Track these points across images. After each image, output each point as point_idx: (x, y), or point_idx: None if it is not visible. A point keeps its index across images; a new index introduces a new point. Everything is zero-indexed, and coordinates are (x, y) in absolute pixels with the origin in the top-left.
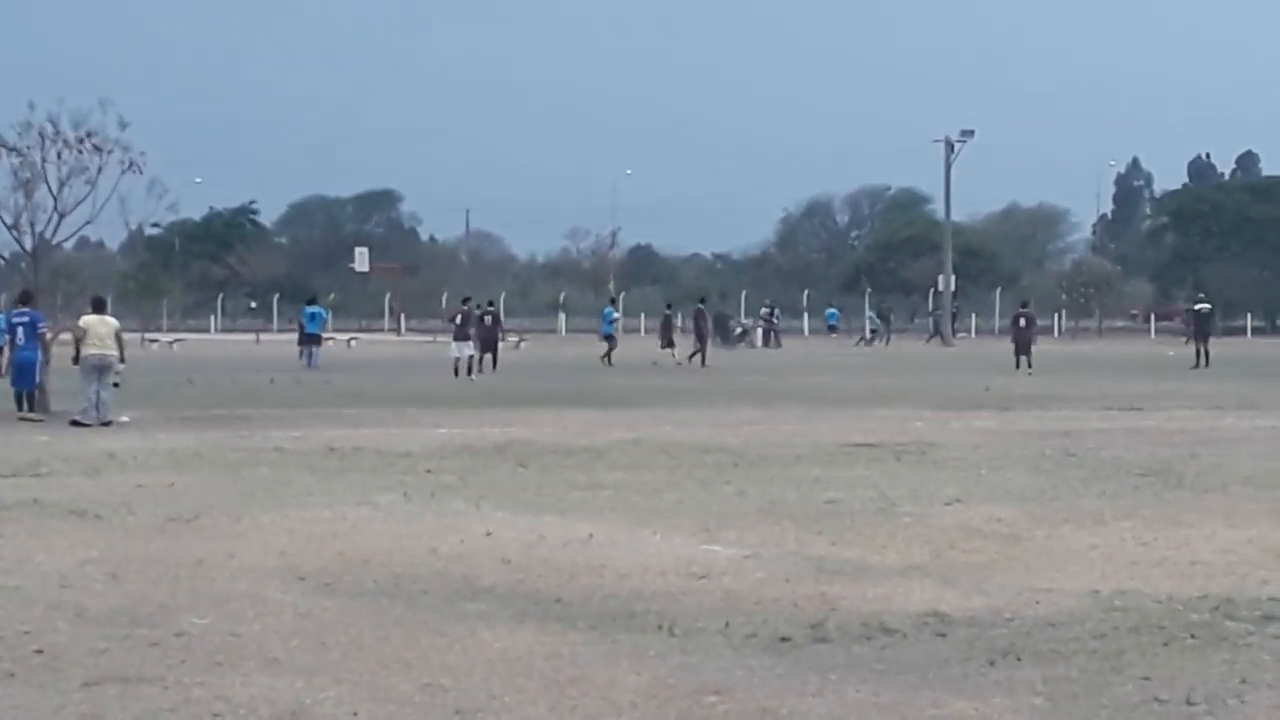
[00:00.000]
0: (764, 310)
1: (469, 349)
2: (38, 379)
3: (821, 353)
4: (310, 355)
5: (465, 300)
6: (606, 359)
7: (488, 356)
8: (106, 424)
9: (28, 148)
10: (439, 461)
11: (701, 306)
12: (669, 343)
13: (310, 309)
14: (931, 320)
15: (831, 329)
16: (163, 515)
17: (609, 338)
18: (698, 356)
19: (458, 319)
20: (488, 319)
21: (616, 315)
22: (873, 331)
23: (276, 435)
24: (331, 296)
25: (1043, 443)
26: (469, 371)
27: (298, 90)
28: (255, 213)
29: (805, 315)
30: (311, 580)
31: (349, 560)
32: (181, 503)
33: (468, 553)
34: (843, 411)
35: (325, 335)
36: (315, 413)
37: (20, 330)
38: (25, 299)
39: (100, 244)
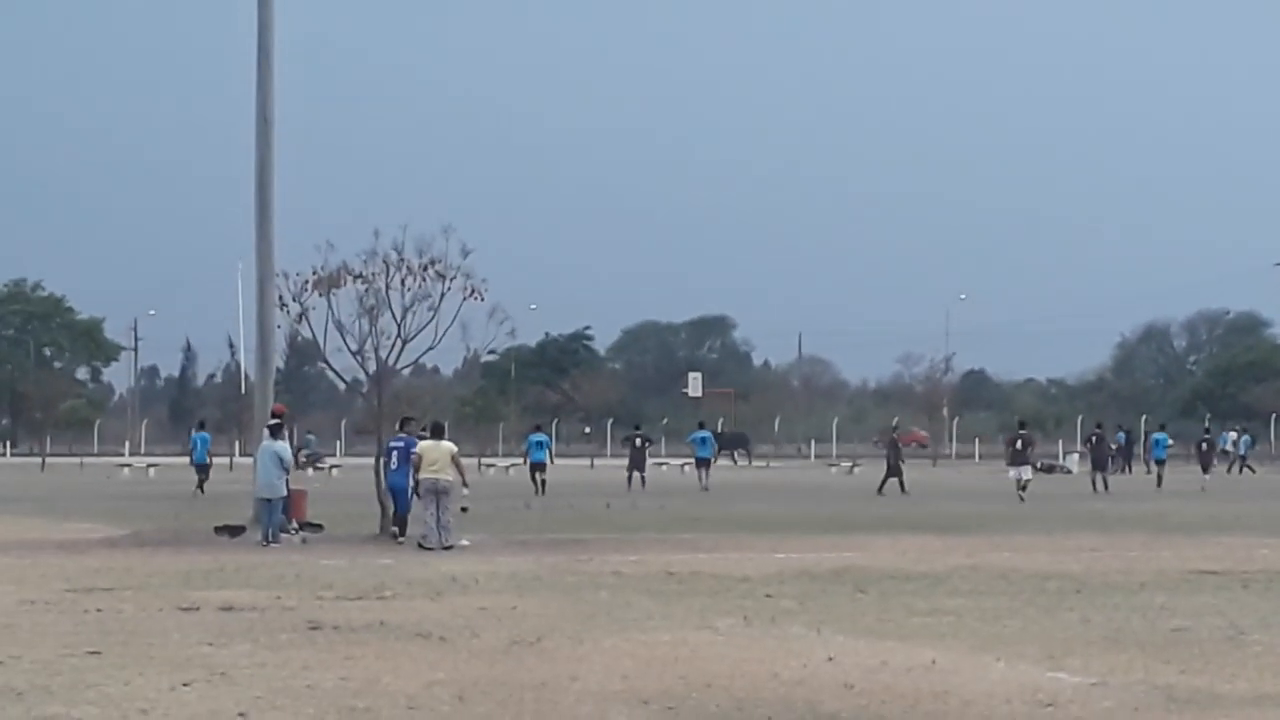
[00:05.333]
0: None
1: (1027, 472)
2: (409, 503)
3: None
4: (702, 477)
5: (1022, 425)
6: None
7: (637, 475)
8: (448, 548)
9: (373, 275)
10: (778, 586)
11: (895, 435)
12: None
13: (699, 434)
14: None
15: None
16: (506, 638)
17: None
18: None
19: (1018, 443)
20: (638, 441)
21: None
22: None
23: (614, 559)
24: (665, 421)
25: None
26: (1022, 489)
27: (633, 221)
28: (590, 339)
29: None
30: (655, 704)
31: (691, 684)
32: (524, 626)
33: (810, 678)
34: (1186, 538)
35: (658, 461)
36: (652, 537)
37: (395, 455)
38: (403, 425)
39: (436, 370)
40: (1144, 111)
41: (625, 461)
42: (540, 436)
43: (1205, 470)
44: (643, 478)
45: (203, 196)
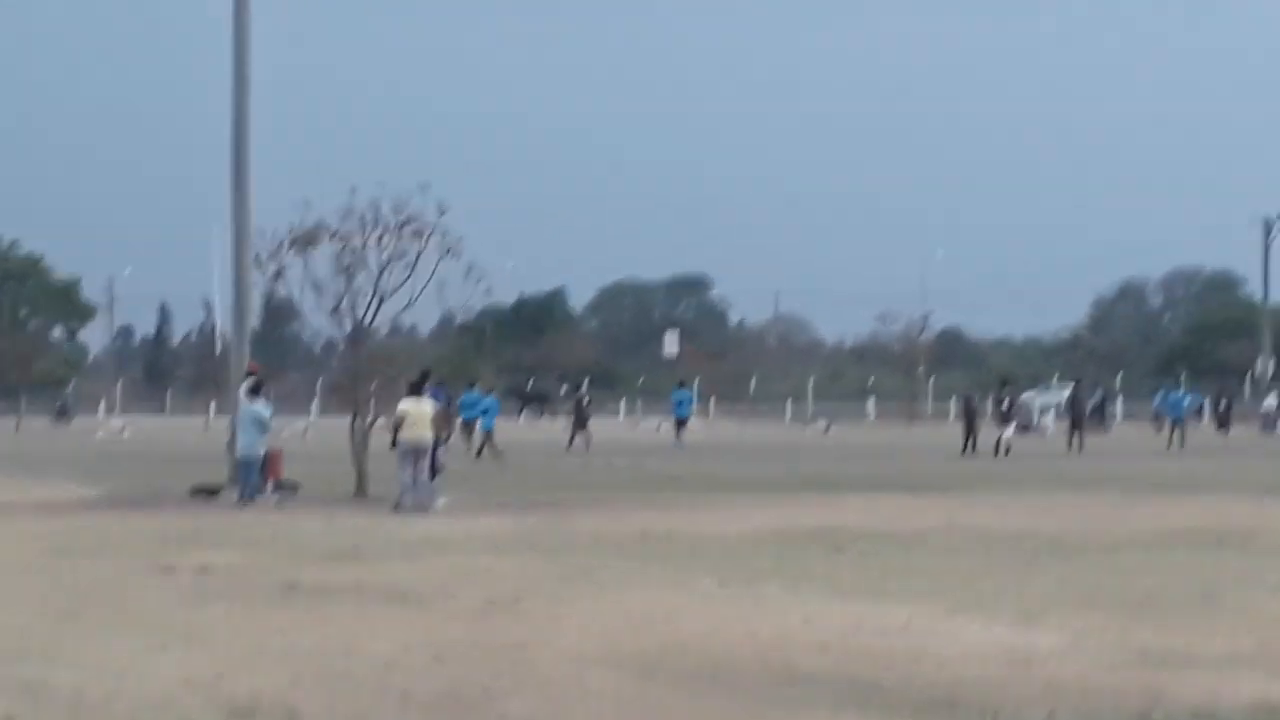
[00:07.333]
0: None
1: (1010, 430)
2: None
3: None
4: (679, 435)
5: (1004, 384)
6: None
7: (582, 434)
8: (425, 509)
9: (350, 233)
10: (753, 547)
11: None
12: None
13: (680, 393)
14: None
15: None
16: (482, 599)
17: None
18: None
19: (1003, 403)
20: (585, 401)
21: None
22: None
23: (591, 520)
24: (641, 381)
25: None
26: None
27: (607, 175)
28: (565, 299)
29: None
30: (631, 665)
31: (667, 645)
32: (500, 587)
33: (786, 638)
34: (1160, 497)
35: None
36: (628, 498)
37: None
38: (423, 378)
39: (413, 329)
40: (1115, 69)
41: (572, 421)
42: (483, 399)
43: (1225, 428)
44: (587, 437)
45: (180, 155)
